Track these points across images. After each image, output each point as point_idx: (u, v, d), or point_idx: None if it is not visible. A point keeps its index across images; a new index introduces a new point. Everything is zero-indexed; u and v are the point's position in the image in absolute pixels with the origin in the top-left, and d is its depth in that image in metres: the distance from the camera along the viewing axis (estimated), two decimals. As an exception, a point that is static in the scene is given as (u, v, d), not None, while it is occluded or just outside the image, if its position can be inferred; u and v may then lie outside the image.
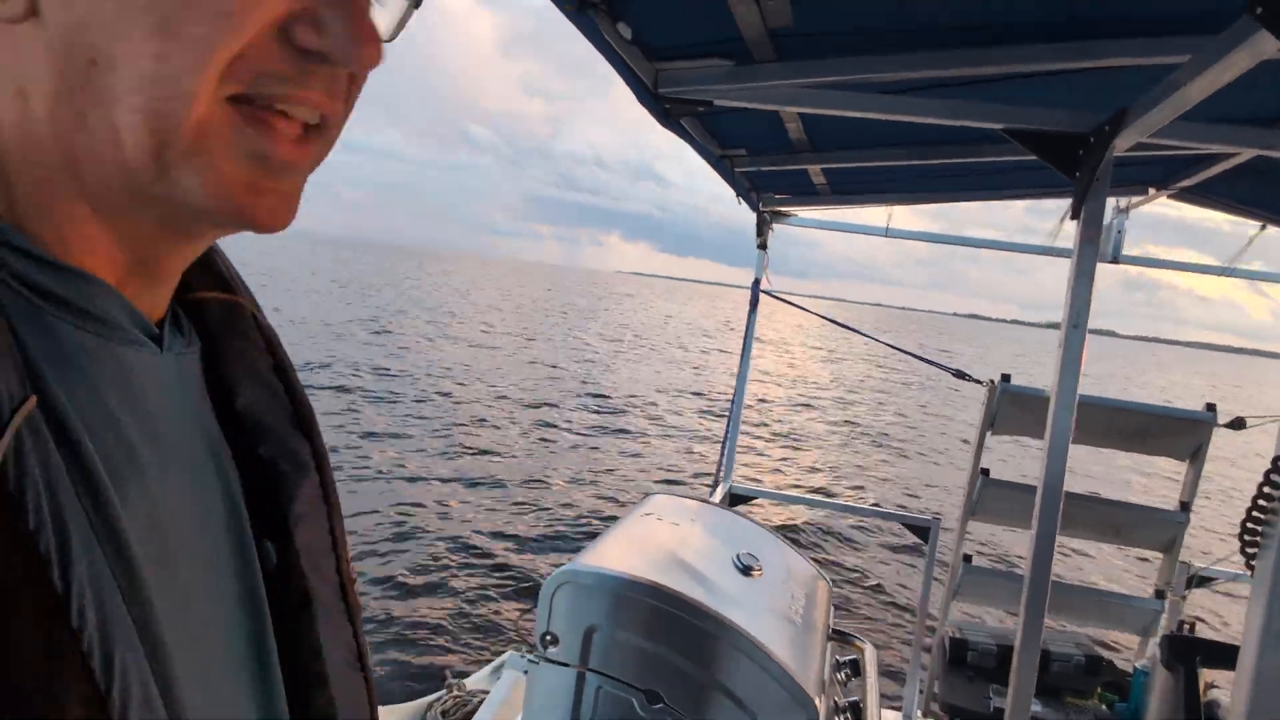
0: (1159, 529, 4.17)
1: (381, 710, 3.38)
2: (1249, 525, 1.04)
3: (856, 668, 2.33)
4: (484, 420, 16.10)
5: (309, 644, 0.54)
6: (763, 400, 24.69)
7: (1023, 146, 2.07)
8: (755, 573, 2.07)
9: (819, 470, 16.11)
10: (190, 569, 0.47)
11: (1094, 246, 2.05)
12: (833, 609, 2.46)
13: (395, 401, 16.66)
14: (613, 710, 1.77)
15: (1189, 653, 1.69)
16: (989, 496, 4.08)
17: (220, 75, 0.42)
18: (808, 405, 25.28)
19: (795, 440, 19.05)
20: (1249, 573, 1.28)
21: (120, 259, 0.47)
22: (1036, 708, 2.94)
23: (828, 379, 35.14)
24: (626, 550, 1.95)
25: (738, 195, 3.23)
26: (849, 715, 2.12)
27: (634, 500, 2.47)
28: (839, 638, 2.33)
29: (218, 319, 0.58)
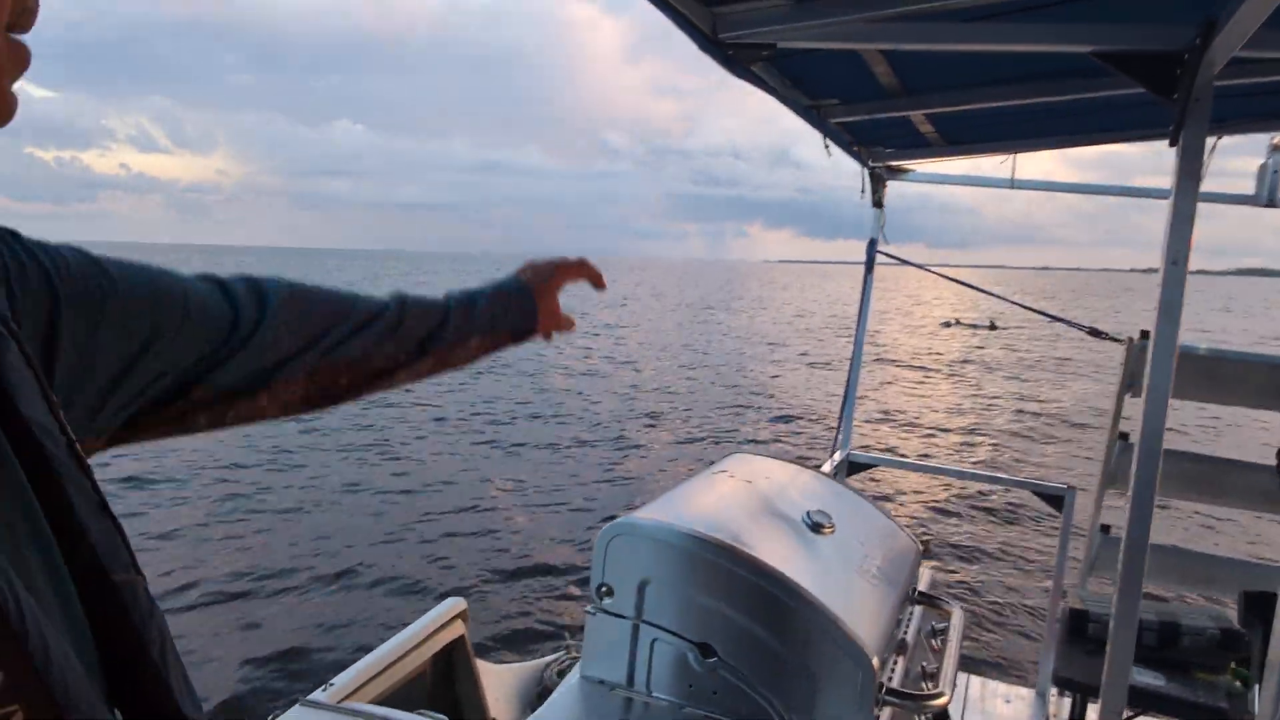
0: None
1: (503, 669, 3.51)
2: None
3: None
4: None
5: (58, 502, 0.55)
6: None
7: (1115, 70, 1.89)
8: (826, 530, 2.00)
9: (955, 435, 15.48)
10: None
11: (1194, 180, 1.84)
12: (923, 572, 2.35)
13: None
14: (668, 663, 1.76)
15: (1265, 609, 1.50)
16: (1128, 463, 3.77)
17: None
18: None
19: (934, 406, 18.40)
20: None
21: None
22: (1160, 681, 2.70)
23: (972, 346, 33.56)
24: (686, 504, 1.93)
25: (827, 148, 3.10)
26: (935, 682, 2.02)
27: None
28: (925, 600, 2.22)
29: None
